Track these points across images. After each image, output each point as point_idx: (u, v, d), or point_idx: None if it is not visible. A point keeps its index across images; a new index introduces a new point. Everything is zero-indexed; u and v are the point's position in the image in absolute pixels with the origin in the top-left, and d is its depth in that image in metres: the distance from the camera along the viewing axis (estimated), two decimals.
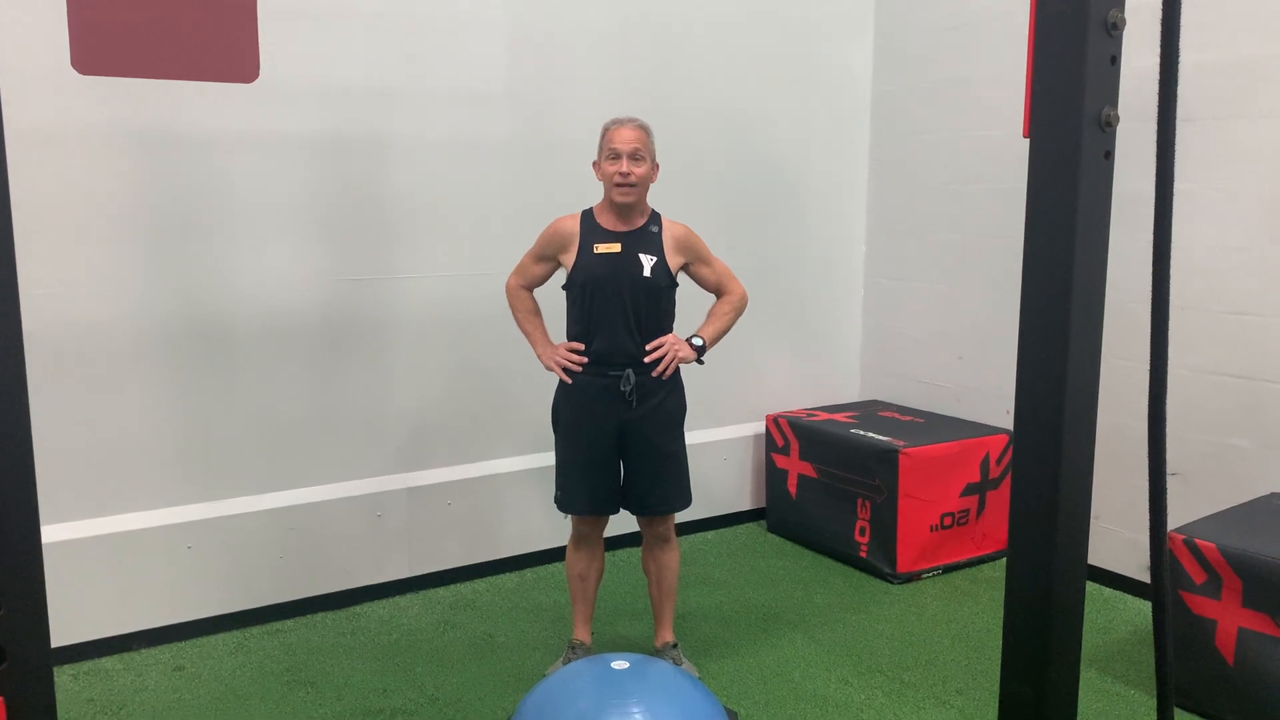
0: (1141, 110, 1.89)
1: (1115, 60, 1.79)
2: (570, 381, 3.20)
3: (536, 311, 3.35)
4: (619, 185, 3.09)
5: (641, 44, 4.42)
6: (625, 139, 3.08)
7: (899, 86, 5.02)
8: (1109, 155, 1.81)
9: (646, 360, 3.16)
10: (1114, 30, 1.75)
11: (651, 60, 4.45)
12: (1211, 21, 3.68)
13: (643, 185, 3.14)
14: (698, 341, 3.24)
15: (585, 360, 3.17)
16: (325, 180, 3.80)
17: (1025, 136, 1.87)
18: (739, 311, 3.34)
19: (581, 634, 3.44)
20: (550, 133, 4.22)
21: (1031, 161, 1.85)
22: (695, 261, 3.26)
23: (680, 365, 3.24)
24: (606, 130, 3.14)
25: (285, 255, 3.76)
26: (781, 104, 4.86)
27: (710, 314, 3.34)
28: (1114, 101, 1.79)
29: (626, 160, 3.08)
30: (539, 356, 3.28)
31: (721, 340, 3.33)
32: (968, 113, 4.68)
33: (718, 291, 3.34)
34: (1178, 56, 1.75)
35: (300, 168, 3.75)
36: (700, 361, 3.27)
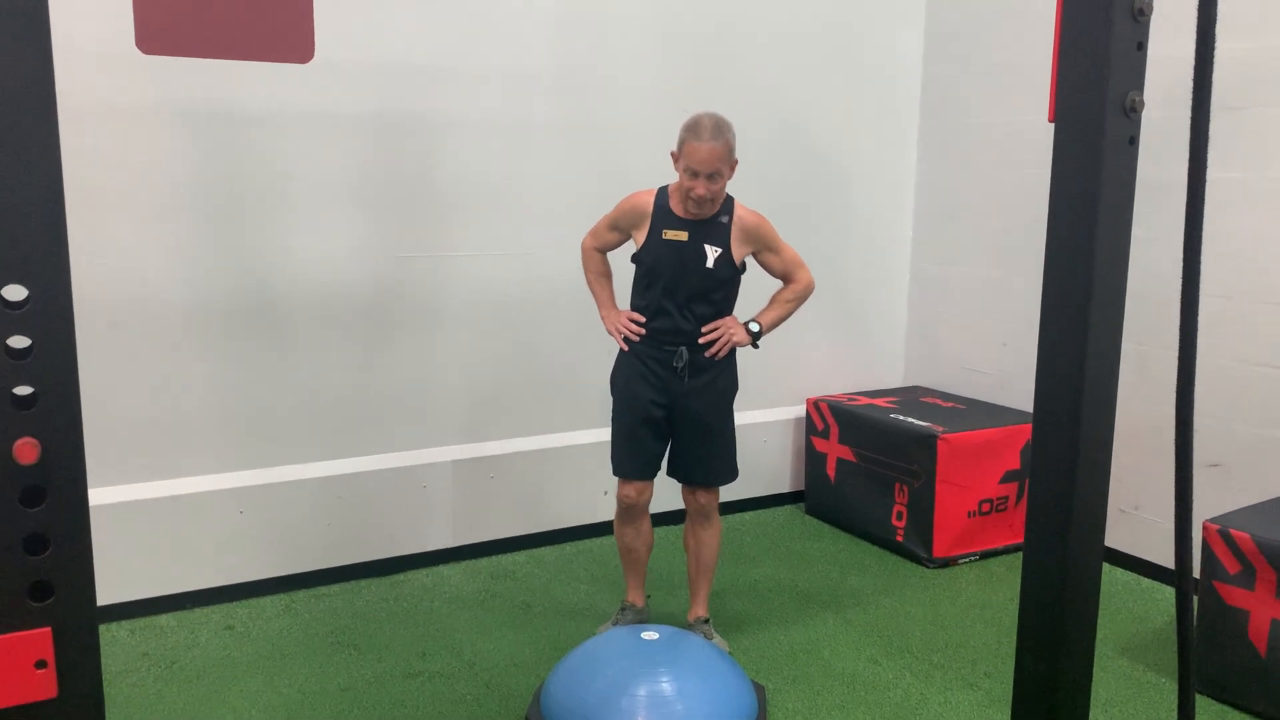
0: (1187, 98, 1.88)
1: (1142, 46, 1.80)
2: (627, 349, 3.30)
3: (607, 274, 3.43)
4: (693, 200, 3.10)
5: (689, 29, 4.44)
6: (704, 161, 3.02)
7: (949, 70, 4.99)
8: (1133, 141, 1.82)
9: (702, 341, 3.23)
10: (1140, 16, 1.76)
11: (699, 45, 4.48)
12: (1258, 7, 3.62)
13: (717, 199, 3.15)
14: (754, 327, 3.29)
15: (644, 332, 3.26)
16: (377, 159, 3.90)
17: (1050, 121, 1.89)
18: (801, 300, 3.35)
19: (634, 596, 3.55)
20: (598, 115, 4.27)
21: (1056, 147, 1.87)
22: (763, 250, 3.27)
23: (729, 356, 3.31)
24: (685, 141, 3.06)
25: (338, 232, 3.86)
26: (830, 87, 4.86)
27: (772, 300, 3.37)
28: (1140, 87, 1.80)
29: (704, 181, 3.05)
30: (602, 319, 3.40)
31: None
32: (1018, 97, 4.65)
33: (785, 279, 3.36)
34: (1214, 43, 1.75)
35: (353, 147, 3.85)
36: (755, 346, 3.32)
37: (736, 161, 3.14)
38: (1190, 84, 1.79)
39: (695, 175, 3.05)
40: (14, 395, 1.16)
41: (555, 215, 4.17)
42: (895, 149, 5.14)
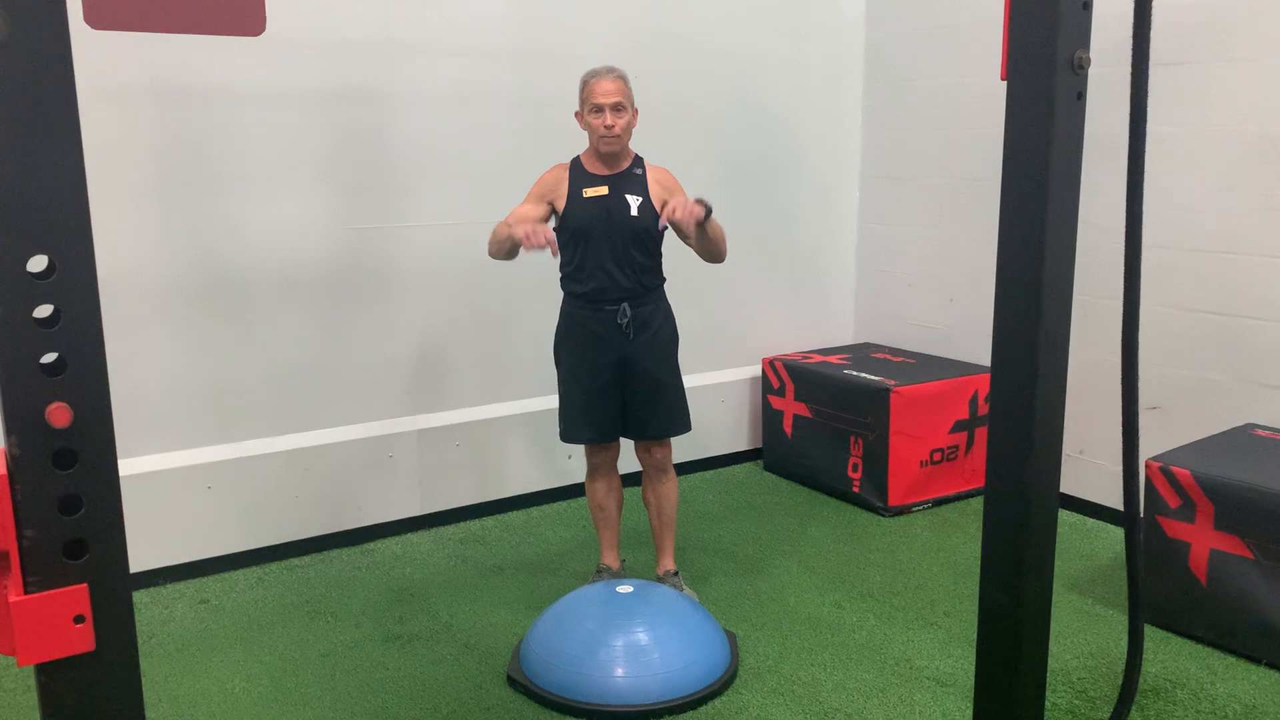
0: (1126, 55, 1.97)
1: (1088, 5, 1.89)
2: (544, 243, 3.04)
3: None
4: (604, 137, 3.23)
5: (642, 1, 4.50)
6: (606, 92, 3.20)
7: (892, 33, 5.10)
8: (1081, 96, 1.92)
9: (661, 226, 3.20)
10: None
11: (648, 10, 4.53)
12: None
13: (626, 133, 3.27)
14: (706, 202, 3.13)
15: (554, 248, 3.09)
16: (332, 132, 3.90)
17: (1003, 79, 1.98)
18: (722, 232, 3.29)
19: (609, 559, 3.63)
20: (549, 83, 4.30)
21: (1008, 103, 1.96)
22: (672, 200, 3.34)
23: (658, 305, 3.38)
24: (586, 84, 3.26)
25: (295, 205, 3.87)
26: (776, 52, 4.94)
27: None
28: (1086, 45, 1.90)
29: (609, 113, 3.20)
30: (513, 232, 3.09)
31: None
32: (960, 58, 4.77)
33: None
34: (1150, 1, 1.86)
35: (307, 120, 3.85)
36: (708, 215, 3.13)
37: (638, 110, 3.31)
38: (1128, 41, 1.89)
39: (600, 110, 3.20)
40: (43, 363, 1.20)
41: (512, 185, 4.17)
42: (840, 111, 5.24)
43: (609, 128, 3.21)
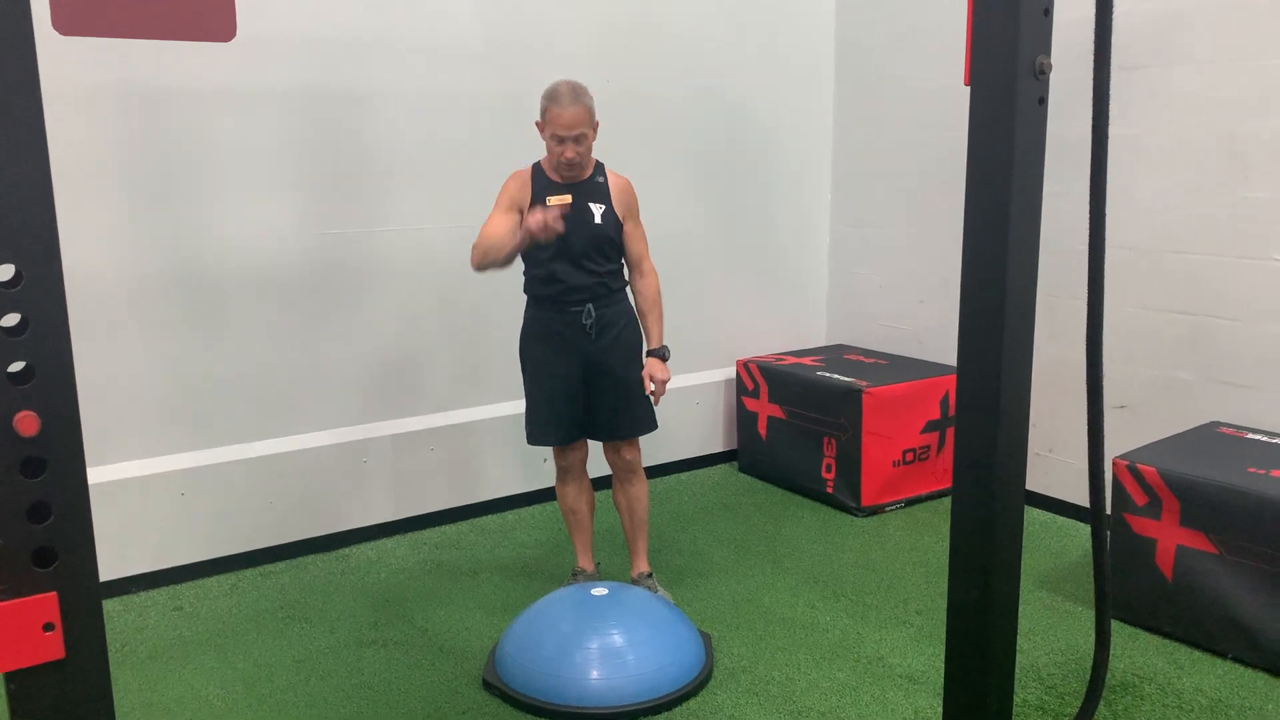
0: (1088, 59, 2.00)
1: (1048, 12, 1.93)
2: (561, 229, 3.07)
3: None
4: (564, 166, 3.23)
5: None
6: (567, 125, 3.16)
7: (863, 35, 5.13)
8: (1043, 101, 1.96)
9: (656, 401, 3.42)
10: None
11: (622, 9, 4.54)
12: None
13: (586, 158, 3.28)
14: (663, 352, 3.42)
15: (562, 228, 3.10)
16: (306, 135, 3.89)
17: (966, 85, 2.01)
18: (661, 302, 3.47)
19: (584, 562, 3.65)
20: (524, 84, 4.28)
21: (971, 108, 2.00)
22: (628, 217, 3.39)
23: (621, 306, 3.43)
24: (547, 109, 3.20)
25: (269, 209, 3.86)
26: (748, 52, 4.97)
27: (647, 319, 3.44)
28: (1047, 51, 1.93)
29: (571, 145, 3.19)
30: (529, 229, 3.03)
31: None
32: (931, 61, 4.81)
33: (635, 262, 3.43)
34: (1111, 6, 1.90)
35: (281, 123, 3.84)
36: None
37: (598, 123, 3.29)
38: (1090, 45, 1.93)
39: (562, 141, 3.19)
40: (10, 372, 1.20)
41: (485, 187, 4.17)
42: (812, 113, 5.27)
43: (569, 161, 3.21)
